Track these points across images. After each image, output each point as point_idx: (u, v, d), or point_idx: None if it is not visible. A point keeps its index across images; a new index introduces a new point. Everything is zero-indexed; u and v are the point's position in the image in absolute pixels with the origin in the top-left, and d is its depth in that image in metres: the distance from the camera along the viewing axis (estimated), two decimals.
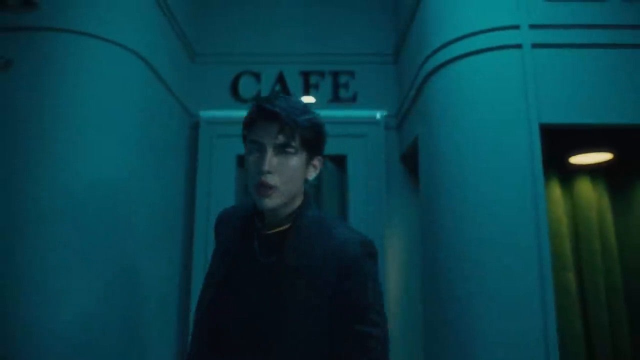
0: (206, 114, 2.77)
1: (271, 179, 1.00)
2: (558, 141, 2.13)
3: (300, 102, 1.11)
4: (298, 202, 1.10)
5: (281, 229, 1.08)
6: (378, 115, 2.75)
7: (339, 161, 2.78)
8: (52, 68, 1.82)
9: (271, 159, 1.01)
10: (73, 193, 1.75)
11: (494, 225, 1.70)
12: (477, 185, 1.75)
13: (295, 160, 1.03)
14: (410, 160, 2.74)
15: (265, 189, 1.00)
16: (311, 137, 1.05)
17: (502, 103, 1.78)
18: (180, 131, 2.75)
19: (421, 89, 2.24)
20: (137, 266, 2.07)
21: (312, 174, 1.10)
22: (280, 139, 1.01)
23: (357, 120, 2.75)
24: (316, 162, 1.10)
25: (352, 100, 2.88)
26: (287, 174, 1.02)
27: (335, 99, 2.89)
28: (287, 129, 1.01)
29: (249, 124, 1.11)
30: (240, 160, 2.79)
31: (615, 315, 2.25)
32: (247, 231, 1.12)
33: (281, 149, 1.02)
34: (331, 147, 2.68)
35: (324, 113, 2.75)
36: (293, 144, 1.02)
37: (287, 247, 1.05)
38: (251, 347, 1.00)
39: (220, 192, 2.67)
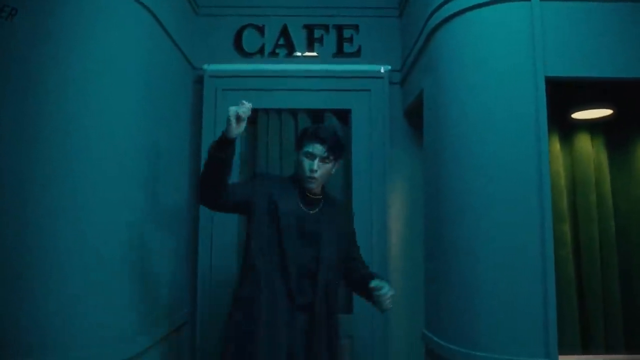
0: (210, 67, 2.76)
1: (316, 174, 1.82)
2: (559, 97, 2.16)
3: (332, 127, 2.18)
4: (325, 185, 1.95)
5: (318, 196, 1.93)
6: (382, 69, 2.75)
7: (343, 115, 2.80)
8: (53, 17, 1.78)
9: (318, 164, 1.82)
10: (78, 147, 1.75)
11: (497, 178, 1.75)
12: (481, 138, 1.80)
13: (329, 166, 1.86)
14: (414, 115, 2.76)
15: (312, 179, 1.83)
16: (338, 152, 1.87)
17: (508, 55, 1.79)
18: (185, 85, 2.75)
19: (427, 42, 2.24)
20: (143, 222, 2.09)
21: (334, 171, 1.92)
22: (324, 154, 1.82)
23: (361, 74, 2.75)
24: (338, 164, 1.93)
25: (357, 55, 2.88)
26: (323, 172, 1.84)
27: (340, 53, 2.88)
28: (328, 149, 1.81)
29: (305, 139, 1.87)
30: None
31: (606, 263, 2.35)
32: (290, 191, 1.89)
33: (323, 159, 1.83)
34: (335, 101, 2.75)
35: (328, 67, 2.79)
36: (331, 157, 1.84)
37: (326, 205, 1.94)
38: (308, 244, 1.82)
39: None
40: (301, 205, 1.86)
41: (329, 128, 1.94)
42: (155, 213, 2.23)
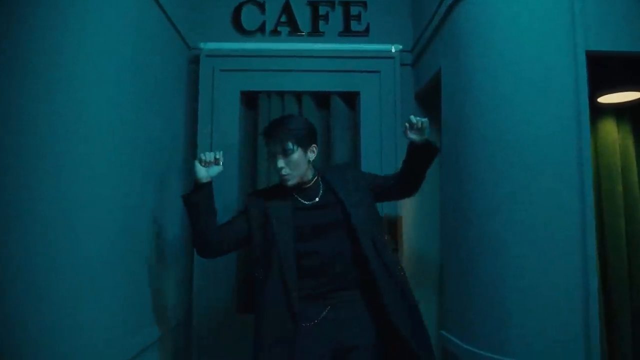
0: (207, 45, 2.55)
1: (284, 172, 1.68)
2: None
3: (289, 117, 1.78)
4: (311, 170, 1.78)
5: (311, 184, 1.78)
6: (393, 49, 2.55)
7: (350, 98, 2.60)
8: None
9: (281, 161, 1.68)
10: (62, 138, 1.54)
11: (533, 165, 1.56)
12: (514, 121, 1.61)
13: (296, 156, 1.68)
14: (427, 98, 2.58)
15: (286, 178, 1.69)
16: (300, 136, 1.69)
17: (545, 27, 1.60)
18: (180, 65, 2.54)
19: (446, 17, 2.04)
20: (135, 217, 1.91)
21: (312, 157, 1.76)
22: (280, 149, 1.68)
23: (371, 54, 2.55)
24: (313, 148, 1.76)
25: (365, 33, 2.67)
26: (294, 165, 1.68)
27: (347, 32, 2.67)
28: (282, 142, 1.67)
29: (265, 141, 1.73)
30: (245, 97, 2.61)
31: (634, 259, 2.20)
32: (282, 193, 1.75)
33: (283, 153, 1.68)
34: (342, 83, 2.54)
35: (334, 47, 2.58)
36: (289, 147, 1.67)
37: (330, 180, 1.79)
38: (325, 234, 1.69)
39: (223, 131, 2.49)
40: (300, 200, 1.74)
41: (279, 119, 1.79)
42: (147, 207, 2.04)
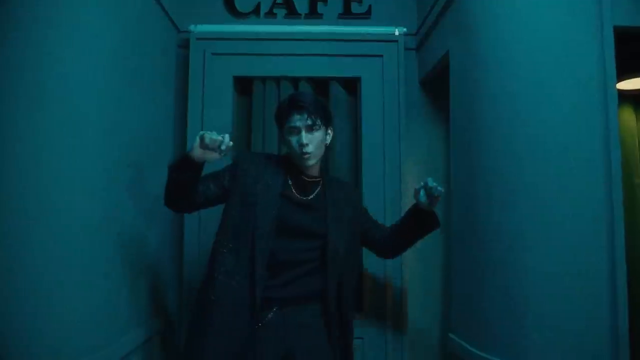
0: (198, 28, 2.38)
1: (308, 148, 1.53)
2: None
3: (310, 93, 1.84)
4: (318, 165, 1.66)
5: (315, 179, 1.66)
6: (397, 31, 2.39)
7: (351, 84, 2.44)
8: None
9: (306, 136, 1.53)
10: (45, 129, 1.42)
11: (554, 152, 1.41)
12: (532, 105, 1.45)
13: (319, 134, 1.56)
14: (433, 84, 2.41)
15: (307, 155, 1.54)
16: (323, 115, 1.57)
17: (566, 1, 1.44)
18: (169, 50, 2.37)
19: None
20: (121, 212, 1.78)
21: (329, 140, 1.66)
22: (309, 122, 1.53)
23: (373, 37, 2.38)
24: (330, 131, 1.66)
25: (366, 16, 2.50)
26: (316, 144, 1.55)
27: (347, 14, 2.50)
28: (311, 115, 1.53)
29: (287, 114, 1.56)
30: (239, 83, 2.44)
31: None
32: (278, 174, 1.61)
33: (309, 128, 1.54)
34: (342, 68, 2.37)
35: (334, 29, 2.41)
36: (317, 123, 1.55)
37: (328, 189, 1.67)
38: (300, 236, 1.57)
39: (215, 120, 2.32)
40: (293, 191, 1.60)
41: (305, 92, 1.75)
42: (134, 202, 1.88)
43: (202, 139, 1.42)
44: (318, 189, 1.65)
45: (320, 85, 2.45)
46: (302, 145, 1.52)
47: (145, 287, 2.05)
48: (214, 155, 1.46)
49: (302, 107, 1.52)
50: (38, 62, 1.42)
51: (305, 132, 1.52)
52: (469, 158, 1.73)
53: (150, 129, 2.08)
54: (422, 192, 1.56)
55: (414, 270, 2.38)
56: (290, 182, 1.61)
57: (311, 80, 2.42)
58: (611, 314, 1.33)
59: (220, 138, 1.40)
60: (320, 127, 1.55)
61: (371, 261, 2.15)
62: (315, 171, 1.64)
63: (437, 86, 2.40)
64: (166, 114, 2.33)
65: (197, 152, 1.45)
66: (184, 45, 2.42)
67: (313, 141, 1.53)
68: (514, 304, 1.48)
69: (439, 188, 1.50)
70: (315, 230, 1.57)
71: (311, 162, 1.56)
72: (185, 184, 1.51)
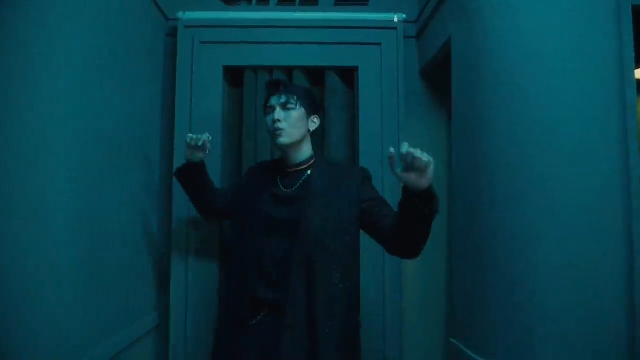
0: (186, 15, 2.26)
1: (280, 125, 1.53)
2: None
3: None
4: (307, 150, 1.63)
5: (301, 167, 1.61)
6: (396, 18, 2.26)
7: (348, 74, 2.32)
8: None
9: (279, 113, 1.55)
10: (20, 117, 1.30)
11: (566, 144, 1.29)
12: (542, 93, 1.33)
13: (295, 113, 1.55)
14: (434, 74, 2.29)
15: (278, 131, 1.54)
16: (305, 97, 1.58)
17: None
18: (157, 39, 2.26)
19: None
20: (108, 200, 1.67)
21: (312, 127, 1.62)
22: (283, 100, 1.55)
23: (371, 24, 2.25)
24: (314, 119, 1.62)
25: (364, 2, 2.37)
26: (291, 122, 1.54)
27: (344, 0, 2.38)
28: (286, 94, 1.55)
29: (268, 95, 1.61)
30: (229, 73, 2.32)
31: None
32: (268, 175, 1.66)
33: (284, 106, 1.55)
34: (339, 57, 2.23)
35: (329, 16, 2.28)
36: (292, 101, 1.55)
37: (314, 174, 1.57)
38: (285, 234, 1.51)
39: (204, 112, 2.21)
40: (280, 186, 1.61)
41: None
42: (120, 199, 1.77)
43: (185, 141, 1.67)
44: (304, 177, 1.59)
45: (316, 75, 2.32)
46: (275, 121, 1.54)
47: (135, 285, 1.95)
48: (199, 154, 1.70)
49: (277, 88, 1.58)
50: (11, 52, 1.30)
51: (280, 109, 1.55)
52: (473, 151, 1.62)
53: (136, 122, 1.97)
54: (398, 165, 1.18)
55: (413, 270, 2.26)
56: (278, 179, 1.63)
57: (306, 70, 2.30)
58: (629, 322, 1.21)
59: (199, 136, 1.64)
60: (296, 106, 1.55)
61: (367, 260, 2.03)
62: (299, 156, 1.60)
63: (438, 76, 2.28)
64: (153, 106, 2.22)
65: (187, 154, 1.71)
66: (173, 33, 2.31)
67: (288, 119, 1.54)
68: (522, 307, 1.36)
69: (418, 155, 1.11)
70: (296, 221, 1.49)
71: (284, 139, 1.54)
72: (194, 187, 1.78)
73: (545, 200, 1.28)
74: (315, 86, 2.34)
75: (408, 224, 1.28)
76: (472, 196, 1.63)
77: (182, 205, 2.14)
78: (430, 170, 1.15)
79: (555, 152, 1.29)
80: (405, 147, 1.13)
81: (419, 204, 1.19)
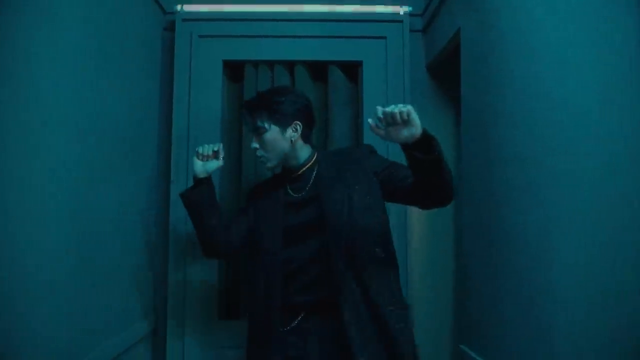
0: (184, 8, 2.18)
1: (259, 152, 1.54)
2: None
3: (271, 90, 1.63)
4: (304, 151, 1.57)
5: (306, 167, 1.56)
6: (402, 10, 2.18)
7: (351, 69, 2.23)
8: None
9: (255, 142, 1.55)
10: (13, 117, 1.20)
11: (585, 132, 1.20)
12: (560, 83, 1.24)
13: (269, 136, 1.51)
14: (441, 68, 2.21)
15: (260, 160, 1.56)
16: (273, 112, 1.50)
17: None
18: (154, 33, 2.18)
19: None
20: (102, 201, 1.59)
21: (294, 136, 1.53)
22: (250, 127, 1.56)
23: (376, 17, 2.17)
24: (294, 127, 1.52)
25: None
26: (269, 147, 1.52)
27: None
28: (251, 120, 1.53)
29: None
30: (229, 68, 2.25)
31: None
32: (276, 184, 1.61)
33: (256, 131, 1.53)
34: (342, 51, 2.15)
35: (333, 9, 2.18)
36: (259, 125, 1.51)
37: (321, 173, 1.53)
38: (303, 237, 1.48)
39: (203, 108, 2.13)
40: (290, 192, 1.57)
41: (259, 92, 1.65)
42: (115, 201, 1.69)
43: (196, 153, 1.58)
44: (312, 176, 1.55)
45: (318, 70, 2.24)
46: (255, 150, 1.55)
47: (130, 288, 1.88)
48: (213, 163, 1.58)
49: (244, 113, 1.58)
50: (2, 50, 1.22)
51: (254, 137, 1.55)
52: (485, 146, 1.53)
53: (132, 119, 1.88)
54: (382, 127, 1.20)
55: (420, 273, 2.18)
56: (287, 186, 1.59)
57: (308, 64, 2.22)
58: None
59: (210, 146, 1.58)
60: (267, 128, 1.50)
61: None
62: (298, 160, 1.56)
63: (445, 71, 2.20)
64: (151, 103, 2.14)
65: (198, 167, 1.57)
66: (170, 27, 2.23)
67: (263, 145, 1.52)
68: (540, 313, 1.28)
69: (396, 110, 1.13)
70: (316, 221, 1.47)
71: (270, 164, 1.55)
72: (205, 210, 1.57)
73: (567, 200, 1.19)
74: (317, 81, 2.26)
75: (424, 176, 1.28)
76: (484, 194, 1.54)
77: (180, 205, 2.06)
78: (414, 115, 1.15)
79: (574, 146, 1.20)
80: (380, 111, 1.17)
81: (421, 153, 1.19)
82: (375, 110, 1.18)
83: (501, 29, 1.46)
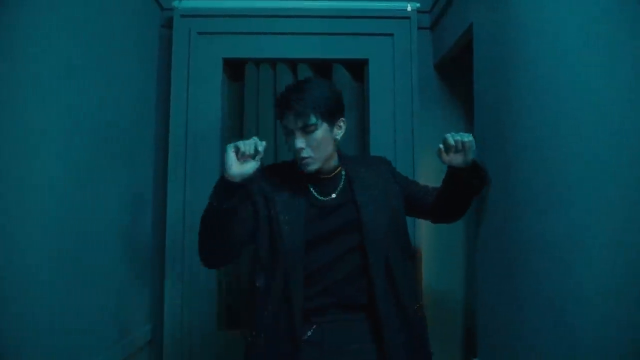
0: (182, 4, 2.10)
1: (305, 153, 1.35)
2: None
3: (309, 82, 1.39)
4: (336, 155, 1.47)
5: (334, 174, 1.46)
6: (409, 6, 2.10)
7: (357, 68, 2.15)
8: None
9: (300, 141, 1.34)
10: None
11: (614, 135, 1.12)
12: (584, 81, 1.16)
13: (319, 133, 1.35)
14: (450, 67, 2.13)
15: (305, 162, 1.36)
16: (324, 106, 1.34)
17: None
18: (151, 30, 2.09)
19: None
20: (97, 205, 1.51)
21: (339, 134, 1.43)
22: (299, 123, 1.33)
23: (382, 13, 2.09)
24: (340, 123, 1.43)
25: None
26: (317, 146, 1.35)
27: None
28: (302, 116, 1.32)
29: (279, 113, 1.38)
30: (229, 66, 2.16)
31: None
32: (294, 181, 1.43)
33: (304, 129, 1.34)
34: (347, 49, 2.05)
35: (337, 5, 2.11)
36: (311, 122, 1.33)
37: (352, 176, 1.46)
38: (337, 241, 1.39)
39: (202, 109, 2.04)
40: (315, 194, 1.42)
41: (296, 84, 1.40)
42: (110, 204, 1.61)
43: (235, 149, 1.26)
44: (342, 181, 1.46)
45: (322, 68, 2.16)
46: (299, 151, 1.35)
47: (122, 302, 1.78)
48: (251, 163, 1.27)
49: (290, 108, 1.32)
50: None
51: (301, 135, 1.34)
52: (502, 149, 1.45)
53: (128, 119, 1.80)
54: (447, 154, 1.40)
55: (430, 281, 2.09)
56: (311, 187, 1.44)
57: (311, 63, 2.13)
58: None
59: (253, 142, 1.27)
60: (319, 125, 1.34)
61: None
62: (330, 165, 1.44)
63: (454, 70, 2.12)
64: (147, 102, 2.05)
65: (235, 169, 1.25)
66: (168, 24, 2.15)
67: (311, 143, 1.34)
68: (565, 327, 1.19)
69: (463, 139, 1.36)
70: (347, 222, 1.40)
71: (312, 167, 1.37)
72: (232, 224, 1.32)
73: (588, 198, 1.11)
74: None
75: (458, 196, 1.48)
76: (500, 199, 1.46)
77: (178, 206, 1.98)
78: (473, 145, 1.38)
79: (602, 149, 1.12)
80: (451, 139, 1.36)
81: (469, 177, 1.42)
82: (446, 138, 1.37)
83: (518, 25, 1.37)
